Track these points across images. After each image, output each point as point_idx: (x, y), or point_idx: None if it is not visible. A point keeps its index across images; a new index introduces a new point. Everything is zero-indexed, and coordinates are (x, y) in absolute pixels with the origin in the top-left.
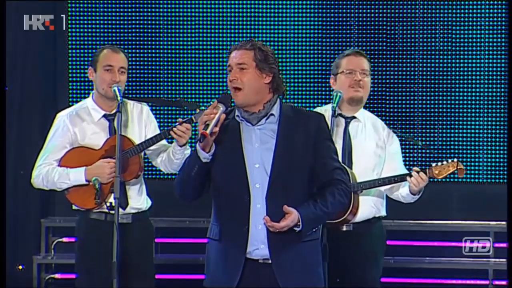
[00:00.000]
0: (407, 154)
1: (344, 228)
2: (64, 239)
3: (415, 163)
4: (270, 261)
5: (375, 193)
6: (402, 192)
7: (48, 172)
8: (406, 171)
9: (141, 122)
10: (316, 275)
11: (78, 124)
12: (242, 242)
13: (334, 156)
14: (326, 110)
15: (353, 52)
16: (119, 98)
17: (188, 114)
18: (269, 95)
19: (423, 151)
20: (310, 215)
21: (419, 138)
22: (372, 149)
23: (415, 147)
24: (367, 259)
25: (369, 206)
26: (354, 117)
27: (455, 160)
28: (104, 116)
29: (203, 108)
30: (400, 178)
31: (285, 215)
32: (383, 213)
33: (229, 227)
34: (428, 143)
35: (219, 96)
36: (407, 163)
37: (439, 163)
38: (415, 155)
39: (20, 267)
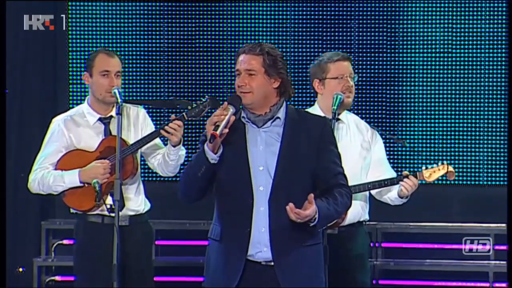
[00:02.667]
0: (407, 157)
1: (328, 231)
2: (64, 241)
3: (415, 165)
4: (272, 263)
5: (361, 197)
6: (391, 196)
7: (44, 176)
8: (393, 173)
9: (137, 126)
10: (318, 279)
11: (73, 128)
12: (244, 244)
13: (337, 160)
14: (314, 109)
15: (342, 57)
16: (119, 100)
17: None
18: (276, 98)
19: (423, 153)
20: (325, 210)
21: (419, 140)
22: (358, 151)
23: (415, 150)
24: (355, 263)
25: (356, 210)
26: (338, 119)
27: (445, 162)
28: (100, 119)
29: (195, 105)
30: (390, 182)
31: (307, 205)
32: (367, 217)
33: (231, 228)
34: (428, 144)
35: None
36: (406, 166)
37: (429, 166)
38: (415, 157)
39: (21, 269)
